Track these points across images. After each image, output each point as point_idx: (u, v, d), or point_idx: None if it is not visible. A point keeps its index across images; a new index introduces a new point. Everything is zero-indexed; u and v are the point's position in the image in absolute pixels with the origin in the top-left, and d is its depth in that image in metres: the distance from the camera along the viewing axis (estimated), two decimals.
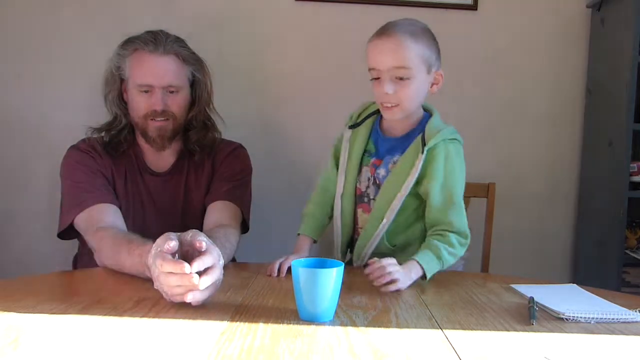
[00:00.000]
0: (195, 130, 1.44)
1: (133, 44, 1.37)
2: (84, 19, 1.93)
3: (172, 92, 1.37)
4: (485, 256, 1.64)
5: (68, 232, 1.33)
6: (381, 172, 1.27)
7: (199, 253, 0.91)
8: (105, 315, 0.85)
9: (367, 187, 1.28)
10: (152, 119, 1.37)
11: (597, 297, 1.05)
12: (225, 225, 1.32)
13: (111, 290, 0.99)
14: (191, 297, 0.87)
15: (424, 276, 1.11)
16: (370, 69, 1.20)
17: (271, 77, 1.97)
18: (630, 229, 1.92)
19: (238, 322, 0.83)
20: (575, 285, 1.16)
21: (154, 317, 0.85)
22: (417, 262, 1.10)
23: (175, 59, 1.38)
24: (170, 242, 0.90)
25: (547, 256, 2.07)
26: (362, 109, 1.35)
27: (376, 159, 1.29)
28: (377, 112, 1.31)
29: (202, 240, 0.91)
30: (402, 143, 1.26)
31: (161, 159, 1.45)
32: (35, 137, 1.95)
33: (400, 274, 1.05)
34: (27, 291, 0.97)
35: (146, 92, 1.35)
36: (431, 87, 1.24)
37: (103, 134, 1.42)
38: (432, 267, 1.12)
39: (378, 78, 1.19)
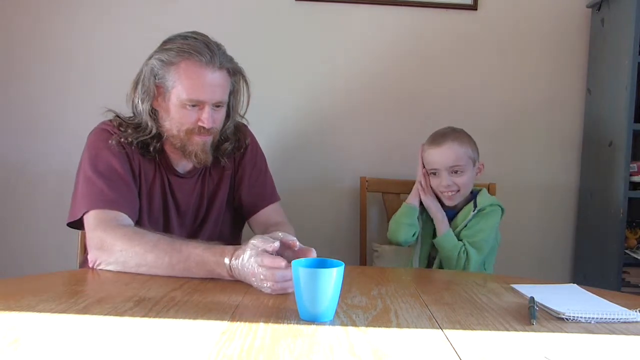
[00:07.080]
0: (228, 142, 1.38)
1: (183, 51, 1.22)
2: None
3: (217, 106, 1.29)
4: None
5: (80, 221, 1.22)
6: None
7: (295, 252, 1.06)
8: (105, 315, 0.85)
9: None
10: (198, 135, 1.27)
11: (597, 297, 1.05)
12: (279, 222, 1.36)
13: (111, 290, 0.99)
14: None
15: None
16: (430, 168, 1.59)
17: (271, 77, 1.98)
18: (630, 229, 1.92)
19: (238, 322, 0.83)
20: (575, 285, 1.16)
21: (154, 317, 0.85)
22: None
23: (226, 73, 1.28)
24: (274, 243, 1.03)
25: (547, 256, 2.07)
26: None
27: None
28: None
29: (294, 240, 1.06)
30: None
31: (186, 162, 1.36)
32: (41, 137, 1.96)
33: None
34: (27, 291, 0.96)
35: (193, 106, 1.25)
36: (476, 174, 1.62)
37: (130, 131, 1.29)
38: (449, 238, 1.52)
39: (435, 173, 1.57)
